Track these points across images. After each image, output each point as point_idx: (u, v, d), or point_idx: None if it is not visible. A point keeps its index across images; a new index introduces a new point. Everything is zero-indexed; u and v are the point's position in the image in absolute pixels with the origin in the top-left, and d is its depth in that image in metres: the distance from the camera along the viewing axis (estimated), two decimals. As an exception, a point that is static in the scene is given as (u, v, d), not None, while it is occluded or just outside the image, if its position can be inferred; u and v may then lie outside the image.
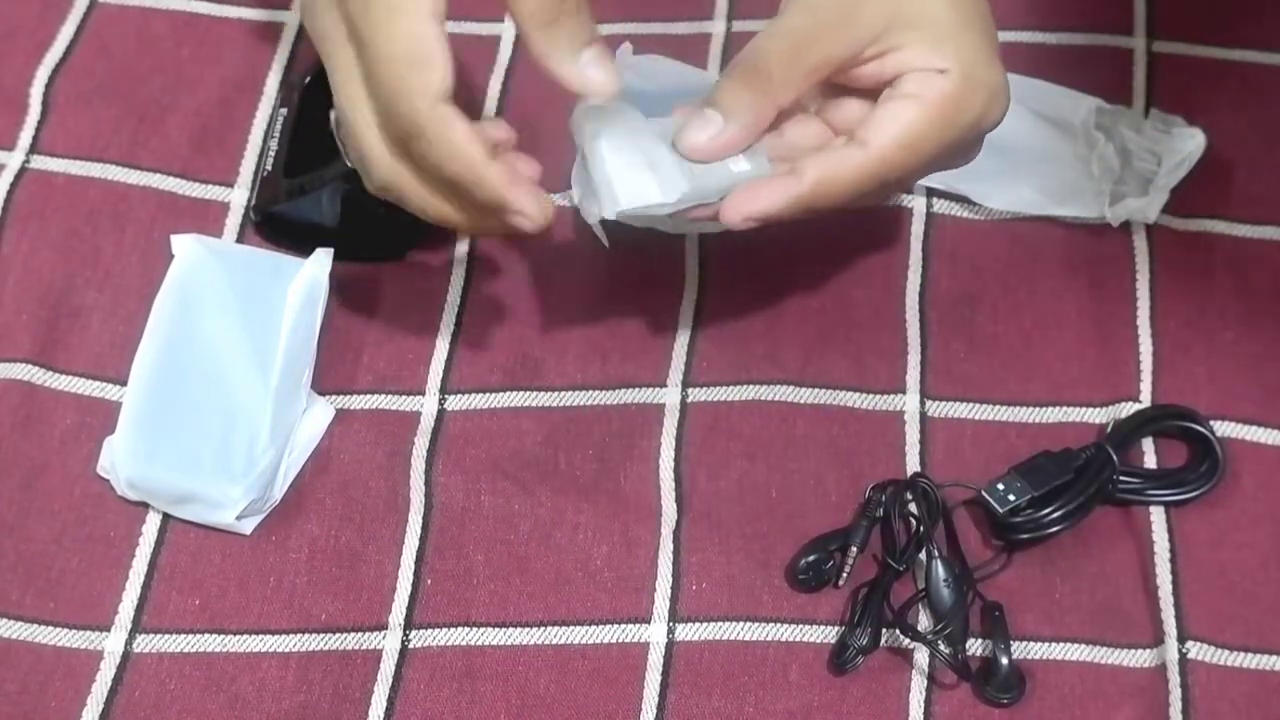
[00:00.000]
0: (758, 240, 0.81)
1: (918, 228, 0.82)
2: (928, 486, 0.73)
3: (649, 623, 0.71)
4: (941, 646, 0.69)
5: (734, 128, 0.66)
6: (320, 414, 0.76)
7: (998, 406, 0.77)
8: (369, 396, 0.77)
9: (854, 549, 0.71)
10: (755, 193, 0.66)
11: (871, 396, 0.77)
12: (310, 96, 0.82)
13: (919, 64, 0.66)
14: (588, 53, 0.64)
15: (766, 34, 0.67)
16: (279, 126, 0.82)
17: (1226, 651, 0.70)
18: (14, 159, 0.84)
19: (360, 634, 0.71)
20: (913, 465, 0.75)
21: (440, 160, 0.64)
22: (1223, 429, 0.76)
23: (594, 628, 0.71)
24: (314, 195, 0.78)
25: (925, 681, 0.70)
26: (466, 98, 0.79)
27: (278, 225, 0.81)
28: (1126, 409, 0.76)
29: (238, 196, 0.83)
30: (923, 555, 0.71)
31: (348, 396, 0.77)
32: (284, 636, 0.71)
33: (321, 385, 0.77)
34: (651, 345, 0.78)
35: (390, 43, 0.63)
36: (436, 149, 0.64)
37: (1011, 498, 0.72)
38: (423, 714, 0.69)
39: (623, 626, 0.71)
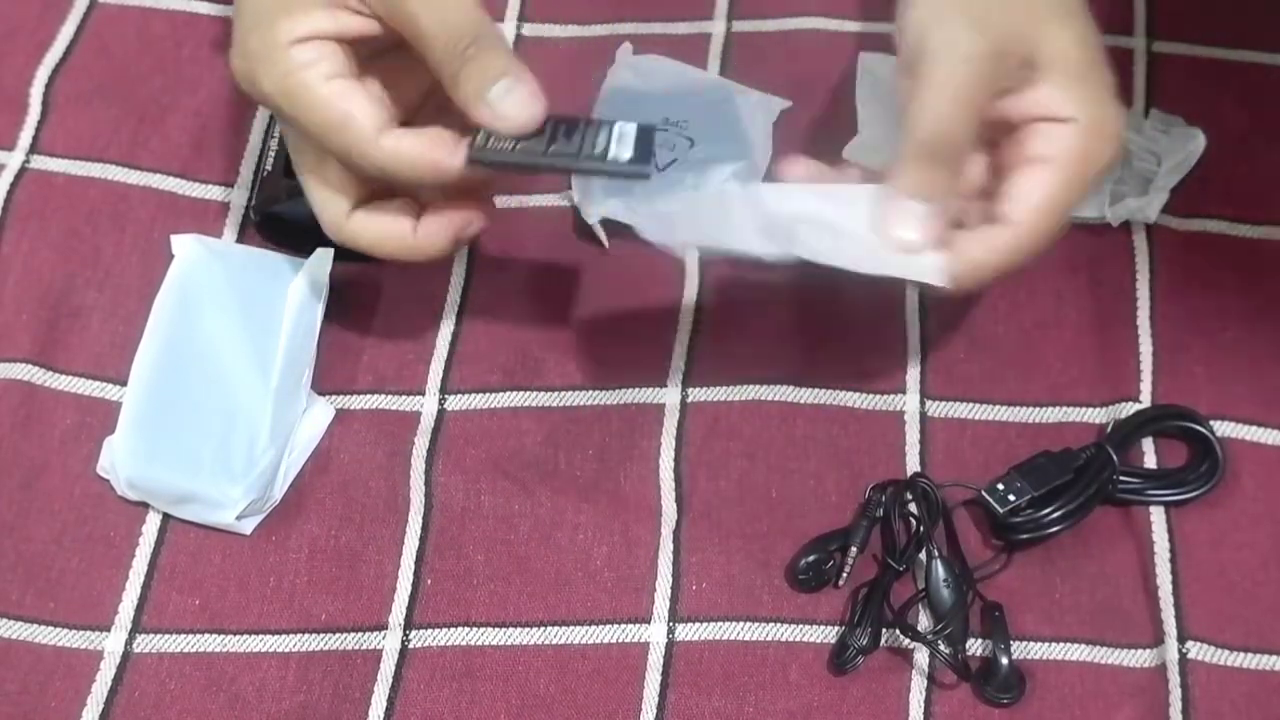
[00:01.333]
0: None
1: (918, 228, 0.82)
2: (928, 486, 0.73)
3: (649, 623, 0.71)
4: (941, 646, 0.69)
5: (938, 216, 0.64)
6: (320, 414, 0.76)
7: (998, 406, 0.77)
8: (369, 396, 0.77)
9: (854, 549, 0.71)
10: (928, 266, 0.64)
11: (871, 396, 0.77)
12: None
13: (1049, 109, 0.64)
14: (496, 88, 0.64)
15: (930, 86, 0.63)
16: (279, 126, 0.82)
17: (1226, 651, 0.70)
18: (14, 159, 0.84)
19: (360, 634, 0.71)
20: (913, 465, 0.75)
21: (383, 163, 0.65)
22: (1223, 429, 0.76)
23: (594, 628, 0.71)
24: None
25: (925, 681, 0.70)
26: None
27: (278, 225, 0.81)
28: (1126, 409, 0.76)
29: (238, 196, 0.83)
30: (923, 555, 0.71)
31: (348, 396, 0.77)
32: (284, 636, 0.71)
33: (321, 385, 0.77)
34: (651, 345, 0.78)
35: (309, 117, 0.65)
36: (382, 161, 0.65)
37: (1011, 498, 0.72)
38: (423, 714, 0.69)
39: (623, 626, 0.71)
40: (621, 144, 0.65)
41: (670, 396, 0.77)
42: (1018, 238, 0.64)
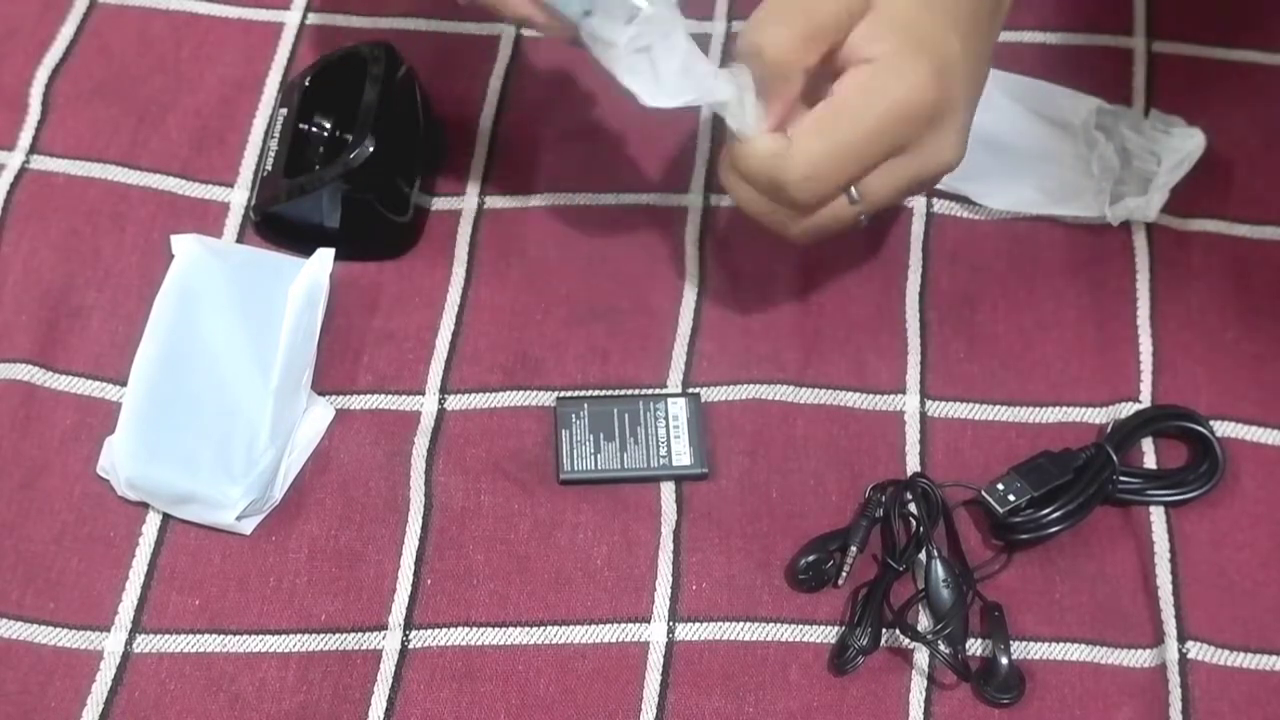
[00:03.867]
0: (757, 240, 0.81)
1: (918, 228, 0.82)
2: (927, 486, 0.73)
3: (649, 622, 0.71)
4: (941, 646, 0.69)
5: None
6: (320, 414, 0.76)
7: (998, 406, 0.77)
8: (369, 396, 0.77)
9: (854, 549, 0.71)
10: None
11: (871, 396, 0.77)
12: (310, 97, 0.82)
13: (858, 50, 0.66)
14: None
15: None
16: (279, 126, 0.82)
17: (1226, 651, 0.70)
18: (14, 159, 0.84)
19: (360, 634, 0.71)
20: (913, 465, 0.75)
21: None
22: (1223, 429, 0.76)
23: (594, 628, 0.71)
24: (314, 195, 0.78)
25: (925, 681, 0.70)
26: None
27: (278, 225, 0.81)
28: (1126, 409, 0.76)
29: (238, 196, 0.83)
30: (922, 555, 0.71)
31: (348, 396, 0.77)
32: (284, 636, 0.71)
33: (321, 385, 0.77)
34: (651, 345, 0.78)
35: None
36: None
37: (1011, 498, 0.72)
38: (423, 714, 0.69)
39: (623, 626, 0.71)
40: None
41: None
42: (784, 154, 0.67)
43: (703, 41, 0.88)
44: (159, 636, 0.71)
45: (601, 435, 0.75)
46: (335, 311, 0.78)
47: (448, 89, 0.86)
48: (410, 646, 0.71)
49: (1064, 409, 0.77)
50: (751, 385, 0.77)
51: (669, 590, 0.72)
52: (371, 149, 0.77)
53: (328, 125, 0.82)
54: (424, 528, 0.73)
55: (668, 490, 0.74)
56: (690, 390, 0.77)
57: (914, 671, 0.70)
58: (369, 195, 0.79)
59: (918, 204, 0.83)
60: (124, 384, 0.75)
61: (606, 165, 0.84)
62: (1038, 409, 0.77)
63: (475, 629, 0.71)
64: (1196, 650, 0.70)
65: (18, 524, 0.73)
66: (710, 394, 0.77)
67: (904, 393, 0.77)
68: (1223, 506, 0.74)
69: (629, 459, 0.74)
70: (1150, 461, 0.75)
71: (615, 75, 0.68)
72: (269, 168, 0.81)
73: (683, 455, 0.74)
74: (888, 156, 0.68)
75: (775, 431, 0.76)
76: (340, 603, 0.72)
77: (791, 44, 0.66)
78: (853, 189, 0.68)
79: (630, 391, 0.77)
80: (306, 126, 0.82)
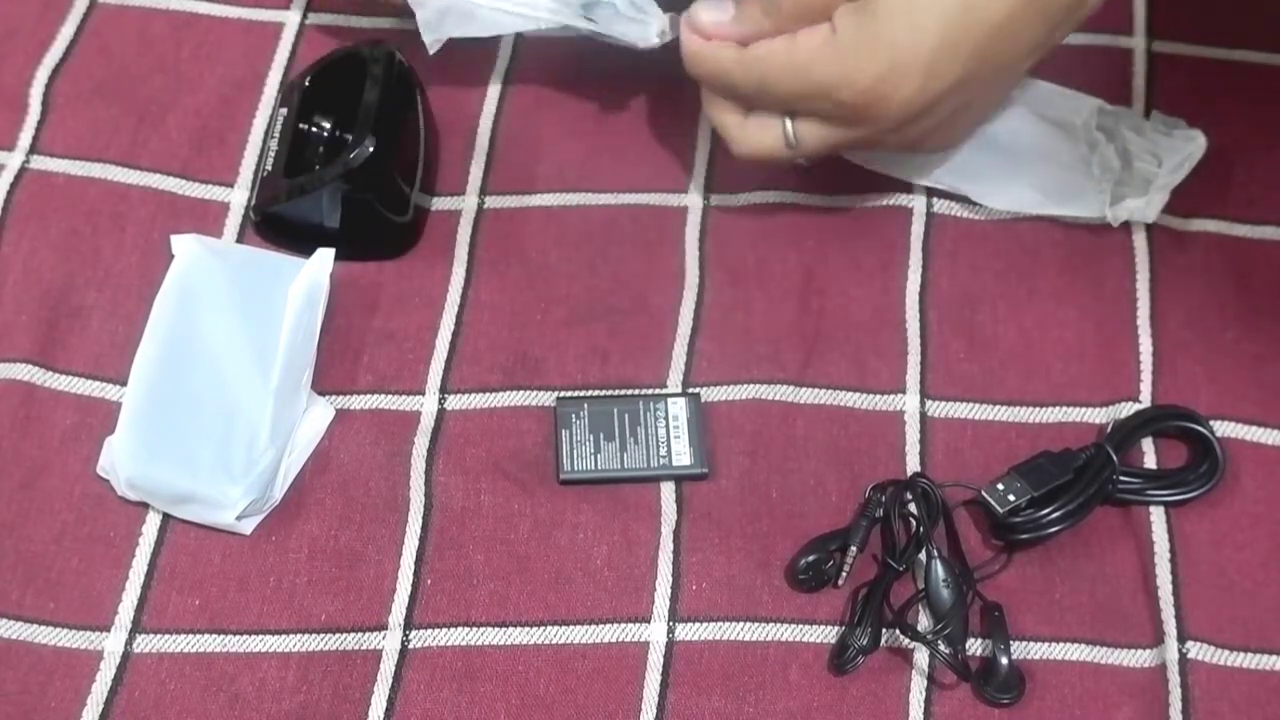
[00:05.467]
0: (758, 239, 0.81)
1: (918, 228, 0.82)
2: (927, 487, 0.73)
3: (649, 622, 0.71)
4: (941, 646, 0.69)
5: (732, 29, 0.73)
6: (320, 414, 0.76)
7: (998, 406, 0.77)
8: (369, 396, 0.77)
9: (854, 549, 0.71)
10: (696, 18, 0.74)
11: (871, 396, 0.77)
12: (310, 97, 0.82)
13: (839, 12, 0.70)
14: None
15: None
16: (279, 126, 0.82)
17: (1226, 651, 0.70)
18: (14, 159, 0.84)
19: (360, 634, 0.71)
20: (913, 465, 0.75)
21: None
22: (1223, 429, 0.76)
23: (594, 627, 0.71)
24: (314, 195, 0.78)
25: (925, 681, 0.70)
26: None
27: (278, 225, 0.81)
28: (1126, 409, 0.76)
29: (238, 196, 0.83)
30: (922, 555, 0.71)
31: (348, 396, 0.77)
32: (284, 636, 0.71)
33: (321, 385, 0.77)
34: (651, 345, 0.78)
35: None
36: None
37: (1011, 498, 0.72)
38: (423, 714, 0.69)
39: (623, 626, 0.71)
40: None
41: (670, 396, 0.77)
42: (738, 53, 0.72)
43: None
44: (159, 636, 0.71)
45: (601, 435, 0.75)
46: (335, 311, 0.78)
47: (448, 89, 0.86)
48: (410, 646, 0.71)
49: (1064, 409, 0.77)
50: (751, 385, 0.77)
51: (669, 590, 0.72)
52: (371, 149, 0.77)
53: (328, 125, 0.82)
54: (424, 528, 0.73)
55: (668, 490, 0.74)
56: (690, 390, 0.77)
57: (914, 671, 0.70)
58: (369, 195, 0.79)
59: (918, 204, 0.83)
60: (124, 384, 0.75)
61: (606, 165, 0.84)
62: (1038, 409, 0.77)
63: (475, 629, 0.71)
64: (1196, 650, 0.70)
65: (18, 524, 0.73)
66: (710, 394, 0.77)
67: (904, 393, 0.77)
68: (1223, 506, 0.74)
69: (629, 459, 0.74)
70: (1150, 461, 0.75)
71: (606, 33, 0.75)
72: (269, 168, 0.81)
73: (683, 455, 0.74)
74: (815, 116, 0.73)
75: (775, 431, 0.76)
76: (340, 603, 0.72)
77: None
78: (788, 128, 0.73)
79: (630, 391, 0.77)
80: (306, 126, 0.82)
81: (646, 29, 0.77)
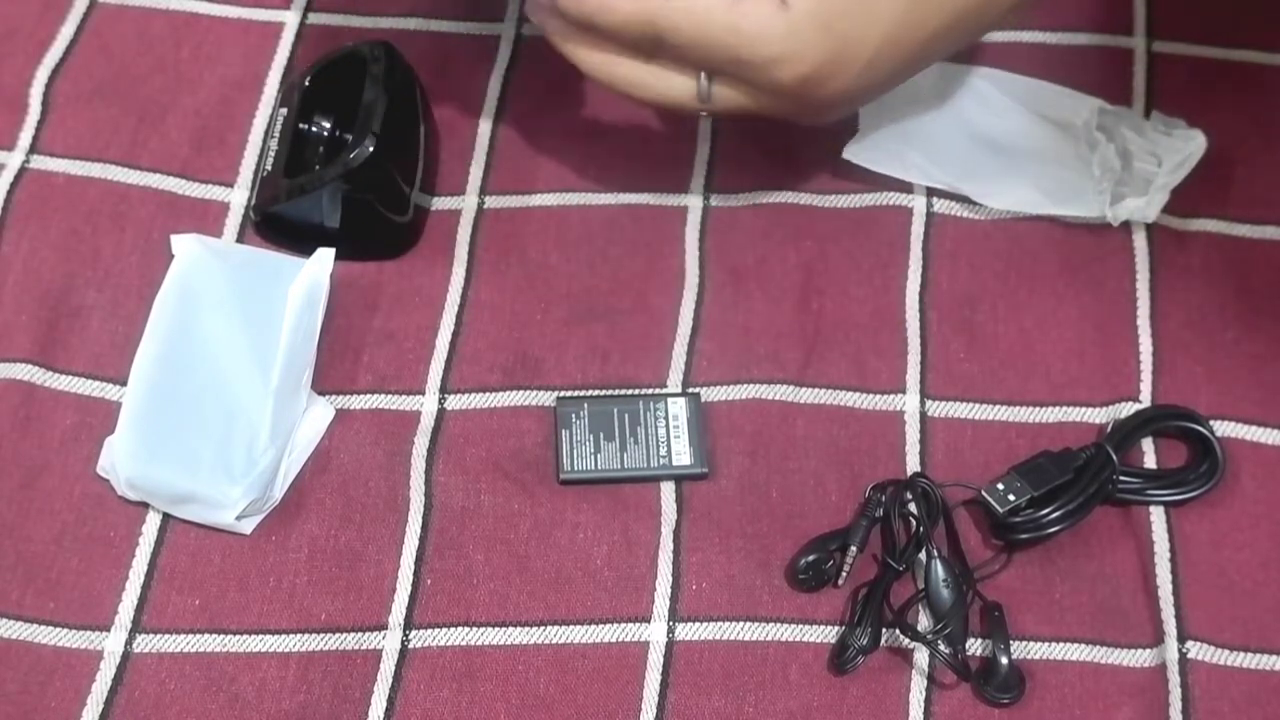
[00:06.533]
0: (758, 239, 0.81)
1: (918, 228, 0.82)
2: (927, 486, 0.73)
3: (649, 622, 0.71)
4: (941, 646, 0.69)
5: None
6: (320, 414, 0.76)
7: (998, 406, 0.77)
8: (369, 396, 0.77)
9: (854, 549, 0.71)
10: None
11: (871, 396, 0.77)
12: (310, 97, 0.82)
13: None
14: None
15: None
16: (279, 126, 0.82)
17: (1226, 651, 0.70)
18: (14, 159, 0.84)
19: (360, 634, 0.71)
20: (913, 465, 0.75)
21: None
22: (1223, 429, 0.76)
23: (594, 627, 0.71)
24: (314, 195, 0.78)
25: (925, 681, 0.70)
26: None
27: (278, 225, 0.81)
28: (1126, 409, 0.76)
29: (238, 196, 0.83)
30: (922, 555, 0.71)
31: (348, 396, 0.77)
32: (284, 636, 0.71)
33: (321, 385, 0.77)
34: (651, 345, 0.78)
35: None
36: None
37: (1011, 498, 0.72)
38: (423, 714, 0.69)
39: (623, 626, 0.71)
40: None
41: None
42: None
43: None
44: (159, 636, 0.71)
45: (601, 435, 0.75)
46: (335, 311, 0.78)
47: (448, 89, 0.86)
48: (410, 646, 0.71)
49: (1064, 409, 0.77)
50: (751, 385, 0.77)
51: (669, 590, 0.72)
52: (371, 149, 0.77)
53: (328, 125, 0.82)
54: (424, 528, 0.73)
55: (668, 490, 0.74)
56: (690, 390, 0.77)
57: (914, 671, 0.70)
58: (369, 195, 0.79)
59: (918, 204, 0.83)
60: (124, 384, 0.75)
61: (606, 165, 0.84)
62: (1038, 409, 0.77)
63: (475, 629, 0.71)
64: (1196, 650, 0.70)
65: (18, 524, 0.73)
66: (710, 394, 0.77)
67: (904, 393, 0.77)
68: (1223, 506, 0.74)
69: (629, 459, 0.74)
70: (1150, 461, 0.75)
71: None
72: (269, 168, 0.81)
73: (683, 455, 0.74)
74: (738, 81, 0.70)
75: (775, 431, 0.76)
76: (340, 603, 0.72)
77: None
78: (703, 84, 0.70)
79: (630, 391, 0.77)
80: (306, 126, 0.82)
81: None
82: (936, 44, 0.72)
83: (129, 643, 0.71)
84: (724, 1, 0.68)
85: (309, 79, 0.83)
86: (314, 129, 0.82)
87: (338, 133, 0.81)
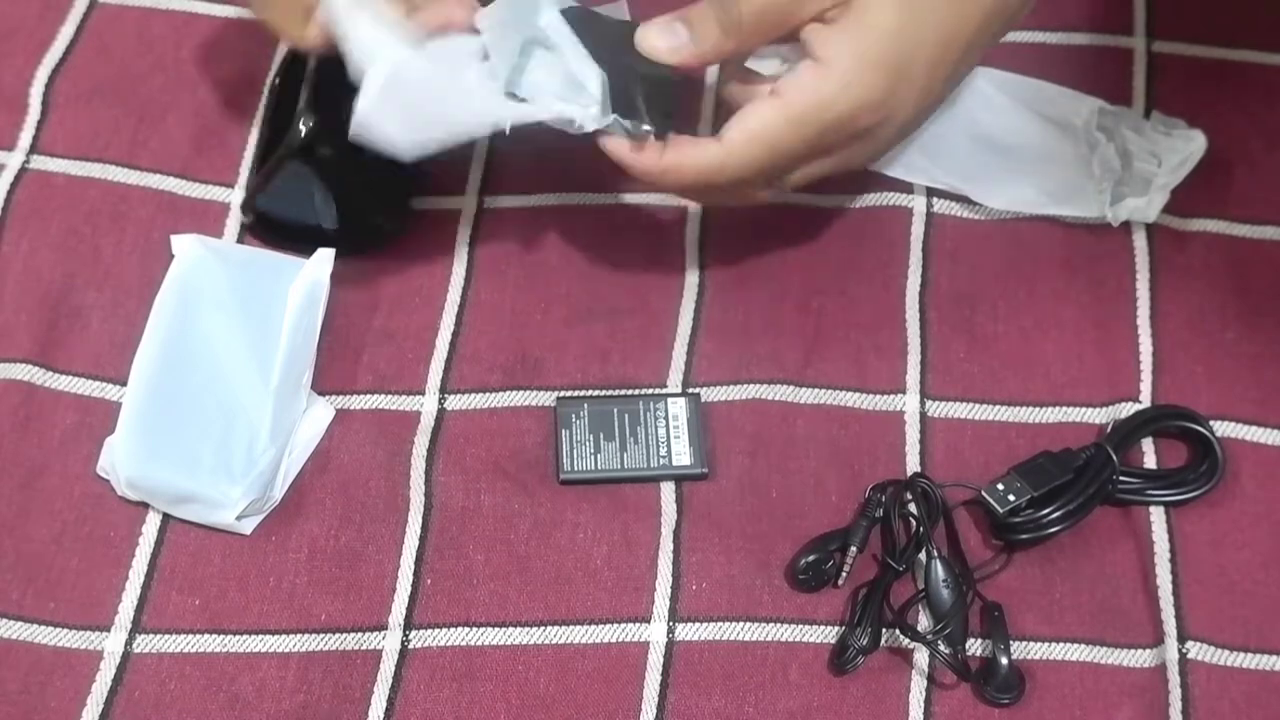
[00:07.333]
0: (758, 239, 0.81)
1: (918, 228, 0.82)
2: (927, 487, 0.73)
3: (649, 622, 0.71)
4: (941, 646, 0.69)
5: (691, 50, 0.69)
6: (320, 414, 0.76)
7: (998, 406, 0.77)
8: (369, 396, 0.77)
9: (854, 549, 0.71)
10: (616, 145, 0.70)
11: (871, 396, 0.77)
12: (281, 92, 0.81)
13: (813, 46, 0.67)
14: None
15: None
16: (259, 125, 0.82)
17: (1226, 651, 0.70)
18: (14, 159, 0.84)
19: (360, 634, 0.71)
20: (913, 465, 0.75)
21: None
22: (1223, 429, 0.76)
23: (594, 627, 0.71)
24: (306, 192, 0.78)
25: (925, 681, 0.70)
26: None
27: (273, 225, 0.81)
28: (1126, 409, 0.76)
29: (238, 196, 0.83)
30: (922, 555, 0.71)
31: (348, 396, 0.77)
32: (284, 636, 0.71)
33: (321, 385, 0.77)
34: (651, 345, 0.78)
35: None
36: None
37: (1011, 498, 0.72)
38: (423, 714, 0.69)
39: (623, 626, 0.71)
40: None
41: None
42: (721, 156, 0.68)
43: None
44: (159, 636, 0.71)
45: (601, 435, 0.75)
46: (335, 311, 0.78)
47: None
48: (410, 646, 0.71)
49: (1064, 409, 0.77)
50: (751, 385, 0.77)
51: (669, 590, 0.72)
52: (312, 122, 0.76)
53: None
54: (424, 528, 0.73)
55: (668, 490, 0.74)
56: (690, 390, 0.77)
57: (914, 671, 0.70)
58: (352, 182, 0.78)
59: (918, 204, 0.83)
60: (124, 384, 0.75)
61: (606, 165, 0.84)
62: (1038, 409, 0.77)
63: (475, 629, 0.71)
64: (1196, 650, 0.70)
65: (18, 524, 0.73)
66: (710, 394, 0.77)
67: (904, 393, 0.77)
68: (1223, 506, 0.74)
69: (629, 459, 0.74)
70: (1150, 461, 0.75)
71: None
72: (253, 167, 0.81)
73: (683, 455, 0.74)
74: (817, 159, 0.70)
75: (775, 431, 0.76)
76: (340, 603, 0.72)
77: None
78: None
79: (630, 391, 0.77)
80: (276, 121, 0.81)
81: (585, 111, 0.70)
82: (974, 50, 0.71)
83: (129, 643, 0.71)
84: (775, 109, 0.68)
85: (277, 78, 0.82)
86: (281, 121, 0.81)
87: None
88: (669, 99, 0.71)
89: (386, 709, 0.69)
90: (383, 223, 0.81)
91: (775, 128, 0.68)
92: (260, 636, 0.71)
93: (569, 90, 0.70)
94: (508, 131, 0.69)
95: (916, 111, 0.70)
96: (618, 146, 0.70)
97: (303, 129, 0.76)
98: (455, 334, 0.79)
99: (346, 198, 0.79)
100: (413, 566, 0.72)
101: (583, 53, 0.70)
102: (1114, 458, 0.73)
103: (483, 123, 0.69)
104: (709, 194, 0.73)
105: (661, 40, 0.69)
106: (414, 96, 0.68)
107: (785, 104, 0.68)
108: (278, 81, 0.82)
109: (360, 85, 0.67)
